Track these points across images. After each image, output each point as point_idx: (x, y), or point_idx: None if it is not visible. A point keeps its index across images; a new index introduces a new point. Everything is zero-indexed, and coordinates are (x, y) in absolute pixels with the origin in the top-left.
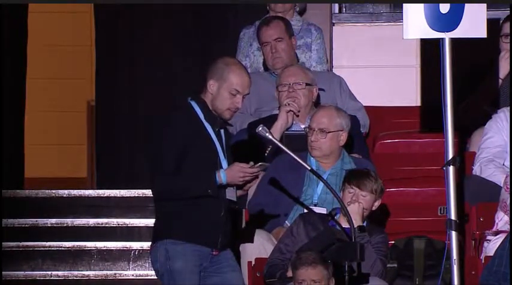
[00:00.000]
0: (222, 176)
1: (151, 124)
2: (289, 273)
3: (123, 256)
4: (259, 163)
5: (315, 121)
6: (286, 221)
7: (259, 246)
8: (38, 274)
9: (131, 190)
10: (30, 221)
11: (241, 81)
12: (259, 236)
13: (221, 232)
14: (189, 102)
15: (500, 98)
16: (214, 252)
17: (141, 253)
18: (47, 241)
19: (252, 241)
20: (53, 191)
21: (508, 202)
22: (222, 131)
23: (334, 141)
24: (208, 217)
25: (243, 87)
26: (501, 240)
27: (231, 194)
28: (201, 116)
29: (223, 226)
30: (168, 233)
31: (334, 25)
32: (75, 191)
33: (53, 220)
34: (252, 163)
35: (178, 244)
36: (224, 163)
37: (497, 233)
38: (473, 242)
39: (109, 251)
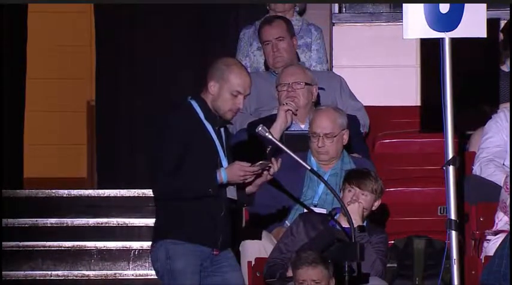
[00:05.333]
0: (222, 175)
1: (151, 124)
2: (289, 273)
3: (123, 256)
4: (260, 162)
5: (319, 126)
6: (286, 221)
7: (259, 246)
8: (38, 274)
9: (131, 190)
10: (30, 221)
11: (242, 81)
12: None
13: (222, 232)
14: (189, 101)
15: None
16: (214, 252)
17: (141, 253)
18: (47, 241)
19: (253, 238)
20: (53, 191)
21: (508, 202)
22: (222, 130)
23: (339, 142)
24: (209, 217)
25: (244, 88)
26: (501, 240)
27: (231, 193)
28: (201, 115)
29: (224, 225)
30: (168, 232)
31: (334, 25)
32: (75, 191)
33: (53, 220)
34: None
35: (179, 244)
36: (224, 162)
37: (497, 233)
38: (473, 242)
39: (109, 251)
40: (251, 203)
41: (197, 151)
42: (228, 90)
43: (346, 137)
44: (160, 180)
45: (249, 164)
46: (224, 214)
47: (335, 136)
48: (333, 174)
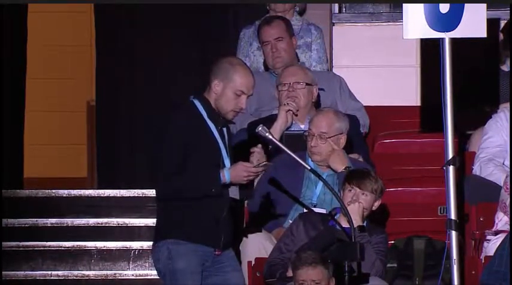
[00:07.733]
0: (226, 176)
1: (151, 124)
2: (289, 273)
3: (123, 256)
4: (264, 162)
5: (315, 126)
6: (286, 221)
7: (259, 246)
8: (38, 274)
9: (131, 190)
10: (30, 221)
11: (246, 81)
12: (260, 236)
13: (223, 232)
14: (192, 100)
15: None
16: (217, 252)
17: (141, 253)
18: (47, 241)
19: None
20: (53, 191)
21: (508, 202)
22: (224, 129)
23: (334, 144)
24: (211, 217)
25: (248, 88)
26: (501, 240)
27: (233, 192)
28: (204, 115)
29: (226, 225)
30: (170, 232)
31: (334, 25)
32: (75, 191)
33: (53, 220)
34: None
35: (181, 244)
36: (227, 162)
37: (497, 233)
38: (473, 242)
39: (109, 251)
40: (251, 196)
41: (200, 150)
42: (231, 90)
43: (343, 141)
44: (162, 180)
45: (253, 164)
46: (226, 213)
47: (329, 138)
48: (330, 175)
